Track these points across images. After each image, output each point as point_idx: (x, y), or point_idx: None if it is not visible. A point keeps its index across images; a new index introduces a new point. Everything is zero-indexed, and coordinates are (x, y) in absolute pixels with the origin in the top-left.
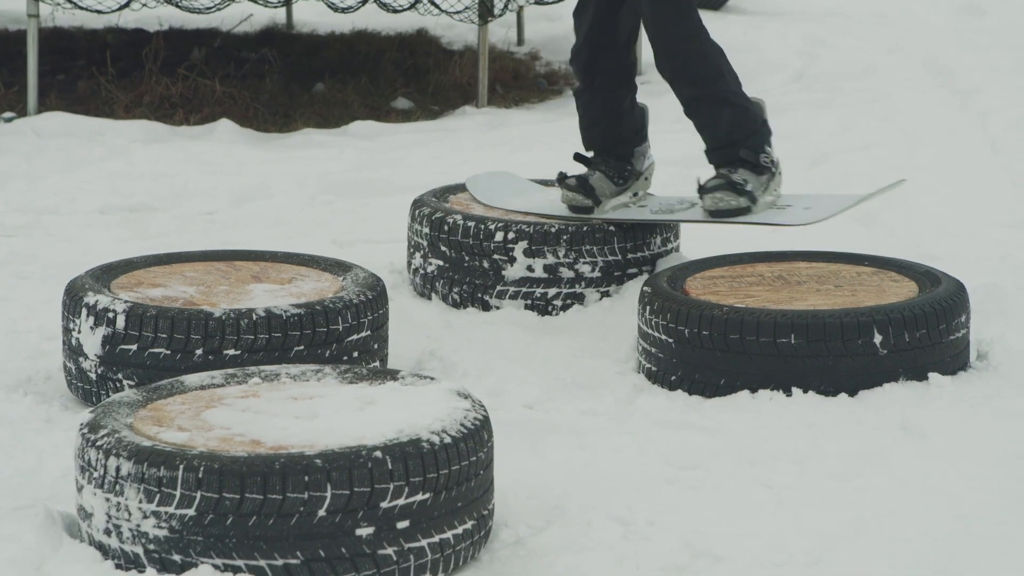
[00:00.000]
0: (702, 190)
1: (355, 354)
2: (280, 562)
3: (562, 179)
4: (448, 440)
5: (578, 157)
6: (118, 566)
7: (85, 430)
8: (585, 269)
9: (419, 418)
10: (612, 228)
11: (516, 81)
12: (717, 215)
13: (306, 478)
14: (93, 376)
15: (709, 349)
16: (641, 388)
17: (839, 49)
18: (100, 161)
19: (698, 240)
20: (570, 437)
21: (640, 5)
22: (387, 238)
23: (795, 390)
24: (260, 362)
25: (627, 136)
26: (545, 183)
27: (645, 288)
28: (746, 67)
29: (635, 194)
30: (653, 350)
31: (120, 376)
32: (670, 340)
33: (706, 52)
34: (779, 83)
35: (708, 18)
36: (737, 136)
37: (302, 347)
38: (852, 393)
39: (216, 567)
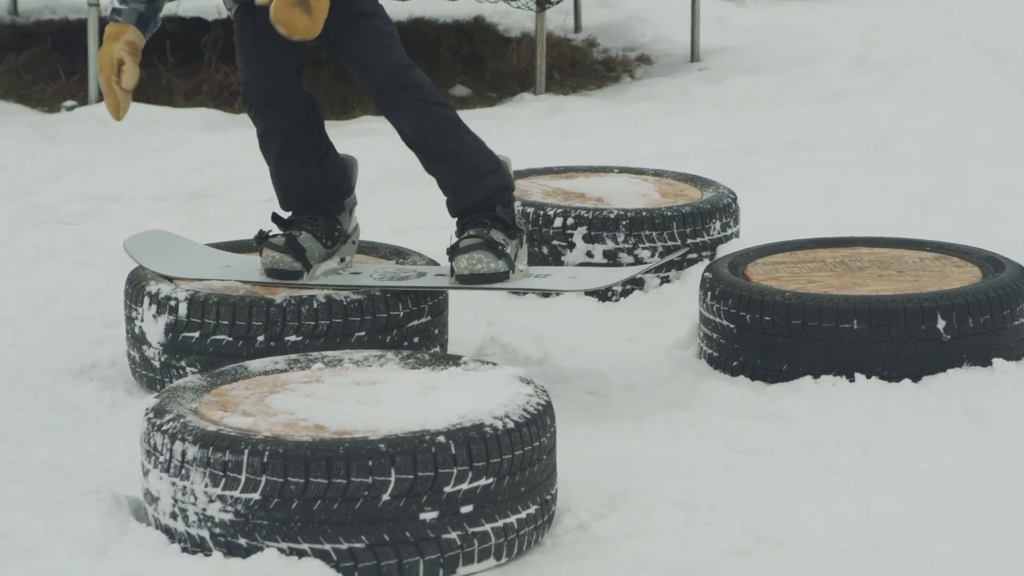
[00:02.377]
0: (454, 250)
1: (415, 340)
2: (345, 546)
3: (263, 238)
4: (511, 425)
5: (276, 218)
6: (184, 550)
7: (151, 415)
8: (644, 254)
9: (482, 403)
10: (670, 213)
11: (573, 68)
12: (469, 280)
13: (370, 463)
14: (156, 364)
15: (771, 335)
16: (702, 374)
17: (896, 35)
18: (160, 149)
19: (758, 226)
20: (631, 423)
21: (343, 46)
22: (444, 225)
23: (858, 376)
24: (321, 348)
25: (334, 185)
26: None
27: (706, 274)
28: (804, 53)
29: (342, 259)
30: (715, 336)
31: (183, 363)
32: (732, 326)
33: (428, 81)
34: (838, 69)
35: (764, 4)
36: (485, 176)
37: (363, 333)
38: (915, 379)
39: (281, 551)
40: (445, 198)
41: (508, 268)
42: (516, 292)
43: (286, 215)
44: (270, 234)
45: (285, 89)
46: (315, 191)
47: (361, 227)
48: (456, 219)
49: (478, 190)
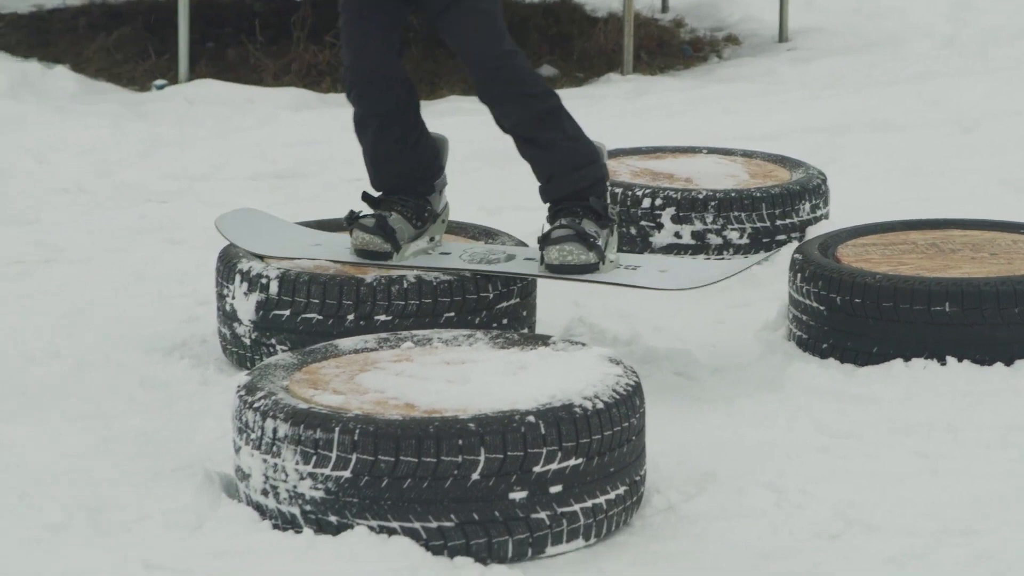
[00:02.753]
0: (545, 240)
1: (504, 321)
2: (434, 524)
3: (354, 219)
4: (601, 405)
5: (367, 197)
6: (275, 526)
7: (242, 392)
8: (733, 236)
9: (571, 383)
10: (759, 194)
11: (660, 48)
12: (559, 270)
13: (460, 442)
14: (247, 341)
15: (861, 317)
16: (792, 356)
17: (985, 13)
18: (249, 128)
19: (847, 208)
20: (720, 404)
21: (445, 25)
22: (534, 205)
23: (949, 359)
24: (410, 328)
25: (426, 166)
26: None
27: (796, 255)
28: (892, 33)
29: (432, 238)
30: (804, 318)
31: (273, 341)
32: (822, 308)
33: (530, 70)
34: (926, 48)
35: None
36: (581, 167)
37: (452, 313)
38: (1008, 363)
39: (371, 529)
40: (538, 183)
41: (598, 260)
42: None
43: (377, 195)
44: (360, 214)
45: (386, 72)
46: (407, 173)
47: (451, 207)
48: (548, 205)
49: (573, 180)
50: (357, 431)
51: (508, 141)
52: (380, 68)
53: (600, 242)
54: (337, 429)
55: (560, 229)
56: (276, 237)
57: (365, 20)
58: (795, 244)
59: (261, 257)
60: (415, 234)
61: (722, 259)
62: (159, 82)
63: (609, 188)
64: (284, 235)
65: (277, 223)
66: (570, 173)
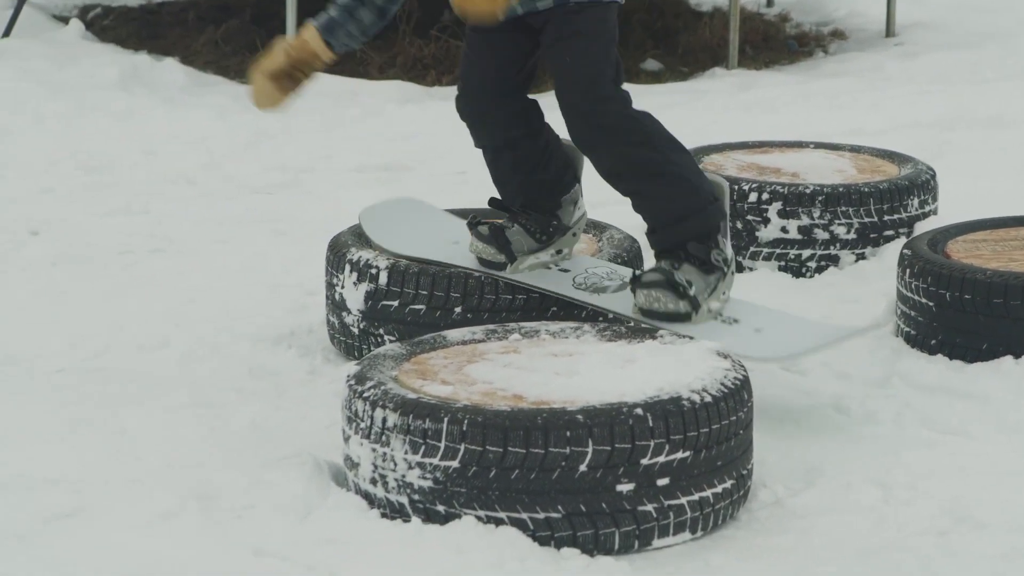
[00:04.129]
0: (636, 282)
1: (610, 314)
2: (542, 515)
3: (474, 224)
4: (709, 399)
5: (495, 203)
6: (383, 515)
7: (352, 382)
8: (840, 231)
9: (679, 376)
10: (867, 189)
11: (766, 43)
12: (649, 315)
13: (568, 433)
14: (355, 331)
15: (971, 313)
16: (900, 352)
17: None
18: (355, 121)
19: (956, 204)
20: (827, 399)
21: (550, 57)
22: None
23: None
24: (517, 320)
25: (550, 185)
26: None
27: (905, 251)
28: (1001, 28)
29: (559, 251)
30: (912, 313)
31: (381, 331)
32: (931, 304)
33: (629, 114)
34: None
35: None
36: (685, 218)
37: (558, 307)
38: None
39: (479, 519)
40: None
41: (690, 310)
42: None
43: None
44: (481, 221)
45: (496, 112)
46: (528, 193)
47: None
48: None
49: (676, 233)
50: (466, 421)
51: None
52: (489, 110)
53: (694, 291)
54: (446, 419)
55: (651, 273)
56: (417, 232)
57: (483, 56)
58: (903, 240)
59: (400, 256)
60: (537, 247)
61: (826, 322)
62: None
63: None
64: (425, 229)
65: (423, 212)
66: (672, 226)
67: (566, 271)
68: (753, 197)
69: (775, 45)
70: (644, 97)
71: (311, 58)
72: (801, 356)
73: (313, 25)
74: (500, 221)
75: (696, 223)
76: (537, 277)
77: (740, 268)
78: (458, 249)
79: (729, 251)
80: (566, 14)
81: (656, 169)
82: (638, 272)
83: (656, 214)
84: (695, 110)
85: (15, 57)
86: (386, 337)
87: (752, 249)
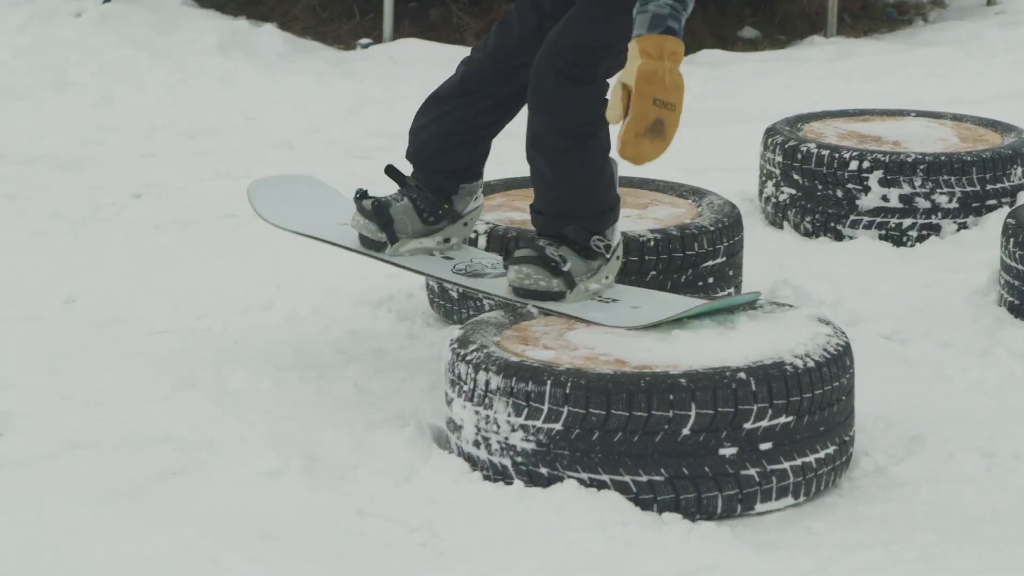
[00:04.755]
0: (507, 258)
1: (710, 280)
2: (644, 478)
3: (360, 198)
4: (811, 364)
5: (392, 172)
6: (486, 477)
7: (455, 345)
8: (942, 200)
9: (781, 342)
10: (970, 158)
11: (864, 11)
12: (520, 294)
13: (671, 396)
14: (454, 295)
15: None
16: (1003, 321)
17: None
18: None
19: None
20: (929, 368)
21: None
22: (736, 166)
23: None
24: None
25: (462, 167)
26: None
27: (1009, 220)
28: None
29: (446, 240)
30: (1016, 283)
31: (480, 296)
32: None
33: (590, 100)
34: None
35: None
36: (571, 210)
37: (657, 272)
38: None
39: (582, 482)
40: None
41: (564, 288)
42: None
43: (405, 172)
44: (367, 194)
45: (525, 64)
46: (449, 161)
47: (654, 166)
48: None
49: (558, 223)
50: (569, 384)
51: (705, 101)
52: (517, 64)
53: (568, 268)
54: (549, 382)
55: (523, 249)
56: (305, 209)
57: (526, 13)
58: (1006, 209)
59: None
60: (422, 231)
61: (709, 296)
62: (364, 41)
63: (816, 150)
64: (315, 207)
65: (314, 190)
66: (558, 217)
67: (449, 259)
68: (854, 165)
69: (874, 13)
70: (741, 65)
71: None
72: (665, 318)
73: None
74: (386, 196)
75: (591, 222)
76: (416, 261)
77: (839, 237)
78: (345, 231)
79: (615, 239)
80: None
81: (572, 163)
82: (511, 248)
83: (549, 199)
84: (794, 78)
85: (118, 22)
86: (485, 302)
87: (852, 218)
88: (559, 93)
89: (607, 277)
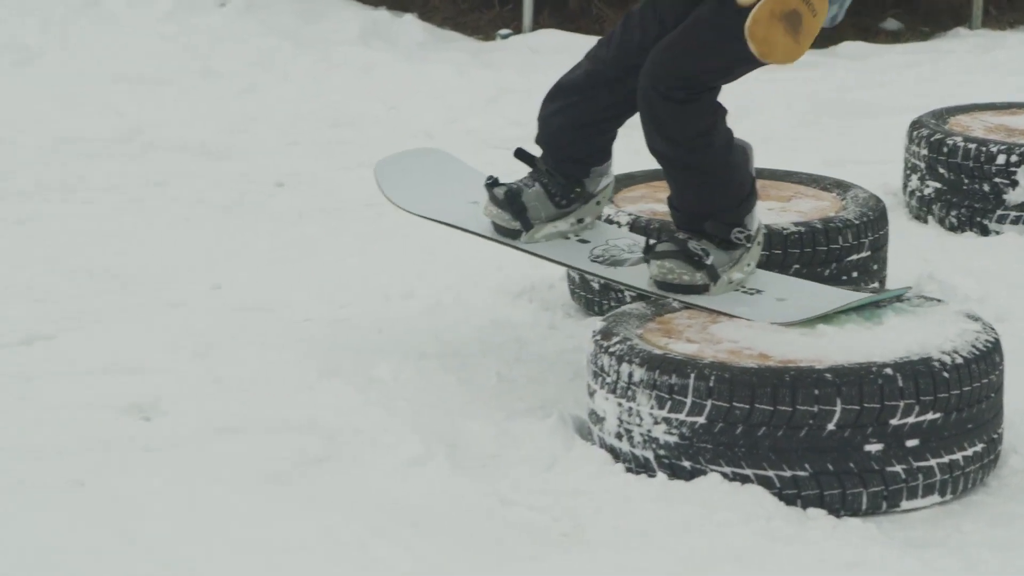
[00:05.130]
0: (649, 252)
1: (854, 274)
2: (788, 473)
3: (491, 186)
4: (960, 361)
5: (521, 155)
6: (628, 469)
7: (598, 337)
8: None
9: (929, 338)
10: None
11: (1011, 3)
12: (665, 288)
13: (816, 391)
14: (596, 286)
15: None
16: None
17: None
18: None
19: None
20: None
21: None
22: (879, 159)
23: None
24: None
25: (592, 153)
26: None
27: None
28: None
29: (579, 220)
30: None
31: (621, 287)
32: None
33: (700, 112)
34: None
35: None
36: (708, 208)
37: (800, 265)
38: None
39: (725, 475)
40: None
41: (707, 281)
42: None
43: (535, 155)
44: (498, 182)
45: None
46: (578, 148)
47: (795, 159)
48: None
49: (698, 219)
50: (712, 377)
51: (851, 95)
52: (633, 66)
53: (711, 260)
54: (693, 375)
55: (664, 244)
56: (435, 189)
57: (647, 20)
58: None
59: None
60: (556, 214)
61: (856, 289)
62: (504, 31)
63: (963, 143)
64: (444, 185)
65: (443, 165)
66: (697, 216)
67: (585, 242)
68: (1001, 159)
69: (1020, 5)
70: (884, 57)
71: None
72: (818, 314)
73: None
74: (518, 183)
75: (728, 216)
76: (553, 248)
77: (985, 231)
78: (476, 211)
79: (755, 225)
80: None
81: (695, 171)
82: (652, 242)
83: (682, 200)
84: (938, 70)
85: (263, 12)
86: (626, 294)
87: (999, 212)
88: (666, 113)
89: (749, 265)
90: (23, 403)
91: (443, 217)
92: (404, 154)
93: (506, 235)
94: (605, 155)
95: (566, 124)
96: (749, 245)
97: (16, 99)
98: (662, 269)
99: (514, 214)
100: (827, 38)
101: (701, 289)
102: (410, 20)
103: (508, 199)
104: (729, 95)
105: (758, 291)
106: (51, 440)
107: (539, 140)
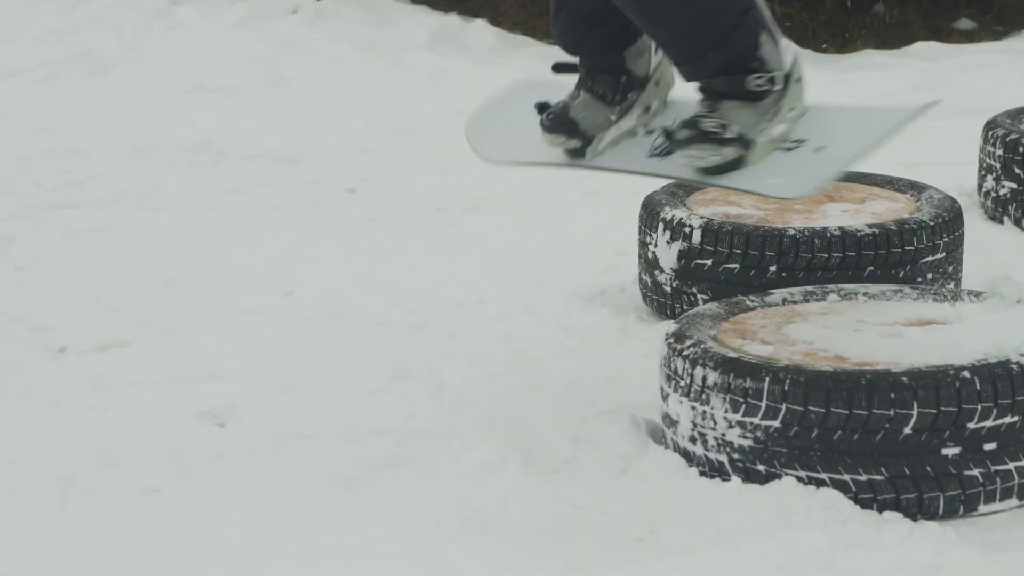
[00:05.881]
0: (670, 139)
1: (929, 276)
2: (864, 477)
3: (541, 110)
4: None
5: (558, 67)
6: (702, 473)
7: (671, 340)
8: None
9: (1007, 339)
10: None
11: None
12: (705, 174)
13: (892, 395)
14: (668, 289)
15: None
16: None
17: None
18: None
19: None
20: None
21: None
22: (954, 160)
23: None
24: (831, 281)
25: (611, 37)
26: None
27: None
28: None
29: (646, 109)
30: None
31: (694, 290)
32: None
33: None
34: None
35: None
36: (707, 50)
37: (875, 268)
38: None
39: (800, 479)
40: None
41: (740, 152)
42: None
43: (569, 62)
44: (547, 105)
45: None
46: (587, 42)
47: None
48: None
49: (702, 69)
50: (787, 381)
51: (922, 95)
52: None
53: (738, 130)
54: (767, 378)
55: (682, 130)
56: (520, 133)
57: None
58: None
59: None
60: (617, 112)
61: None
62: None
63: None
64: (530, 125)
65: (530, 100)
66: (697, 61)
67: (651, 132)
68: None
69: None
70: (957, 57)
71: None
72: (862, 154)
73: None
74: (563, 101)
75: (722, 52)
76: (617, 156)
77: None
78: (550, 150)
79: (780, 58)
80: None
81: None
82: (669, 128)
83: (675, 46)
84: (1013, 70)
85: (332, 19)
86: (699, 296)
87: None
88: None
89: (792, 110)
90: (98, 411)
91: (532, 158)
92: (492, 104)
93: (575, 156)
94: (628, 32)
95: (570, 19)
96: (779, 87)
97: (91, 109)
98: (691, 158)
99: (568, 133)
100: (899, 39)
101: (737, 164)
102: (480, 25)
103: (556, 121)
104: None
105: (800, 142)
106: (126, 448)
107: (565, 49)
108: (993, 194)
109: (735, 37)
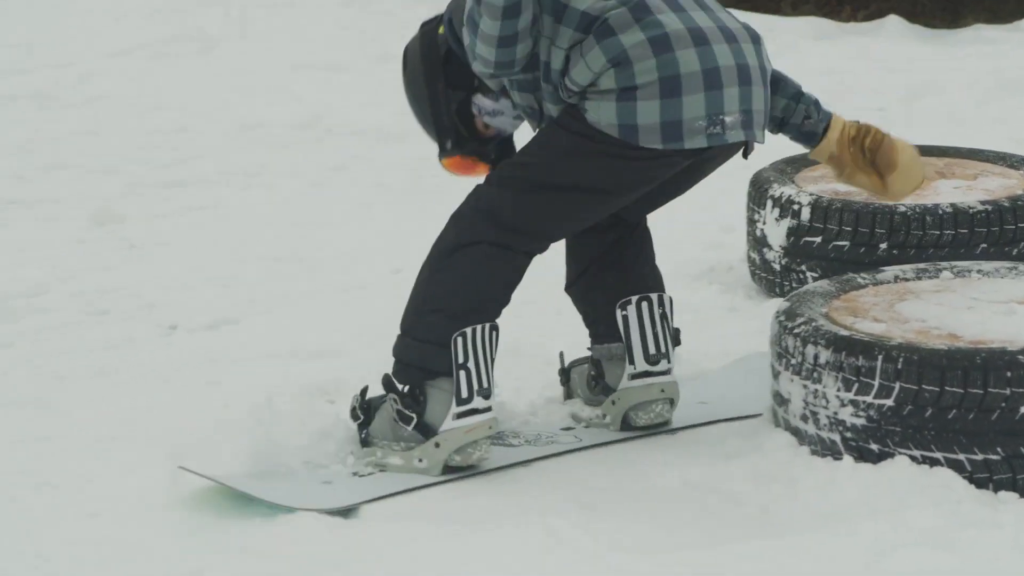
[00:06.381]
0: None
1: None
2: (980, 457)
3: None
4: None
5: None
6: (814, 452)
7: (782, 318)
8: None
9: None
10: None
11: None
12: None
13: (1008, 373)
14: (777, 267)
15: None
16: None
17: None
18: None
19: None
20: None
21: None
22: None
23: None
24: (943, 259)
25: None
26: None
27: None
28: None
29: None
30: None
31: (803, 267)
32: None
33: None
34: None
35: None
36: (404, 324)
37: (987, 245)
38: None
39: (913, 459)
40: None
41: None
42: None
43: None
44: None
45: None
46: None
47: (980, 137)
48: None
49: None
50: (901, 359)
51: None
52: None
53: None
54: (880, 357)
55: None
56: None
57: None
58: None
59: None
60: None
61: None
62: None
63: None
64: None
65: None
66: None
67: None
68: None
69: None
70: None
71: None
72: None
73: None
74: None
75: (403, 344)
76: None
77: None
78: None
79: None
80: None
81: (439, 263)
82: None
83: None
84: None
85: None
86: (808, 274)
87: None
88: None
89: (421, 461)
90: (210, 387)
91: None
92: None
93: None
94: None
95: None
96: (417, 433)
97: (198, 87)
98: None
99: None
100: (1011, 12)
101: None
102: None
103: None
104: (911, 74)
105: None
106: (237, 424)
107: None
108: None
109: (413, 374)
